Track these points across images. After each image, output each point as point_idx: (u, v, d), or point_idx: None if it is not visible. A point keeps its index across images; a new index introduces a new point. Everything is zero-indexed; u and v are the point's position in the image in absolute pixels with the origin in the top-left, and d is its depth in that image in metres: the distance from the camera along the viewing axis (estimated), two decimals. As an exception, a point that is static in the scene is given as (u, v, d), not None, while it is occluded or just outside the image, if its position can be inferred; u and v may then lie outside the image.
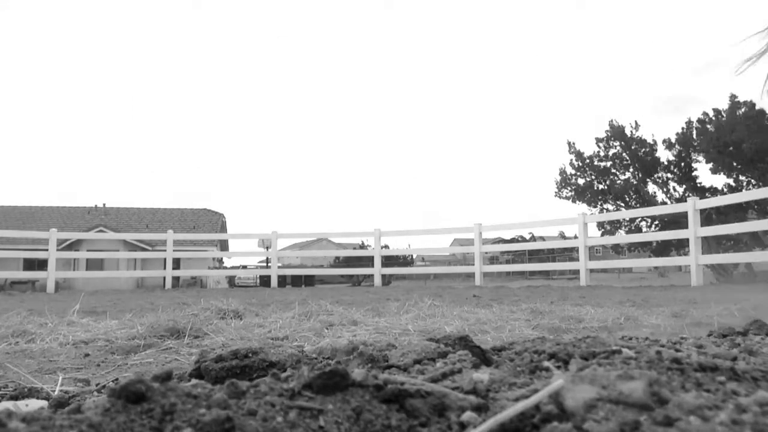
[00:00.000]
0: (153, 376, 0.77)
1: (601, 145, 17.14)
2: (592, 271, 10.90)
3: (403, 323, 2.65)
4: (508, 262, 36.97)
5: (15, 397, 1.20)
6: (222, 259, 37.40)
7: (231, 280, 31.85)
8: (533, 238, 32.10)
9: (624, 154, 16.79)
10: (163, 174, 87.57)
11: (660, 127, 31.61)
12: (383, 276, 14.54)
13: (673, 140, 16.07)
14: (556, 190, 17.46)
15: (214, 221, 35.81)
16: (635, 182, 16.26)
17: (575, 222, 10.95)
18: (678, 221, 11.13)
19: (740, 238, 11.88)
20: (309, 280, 27.15)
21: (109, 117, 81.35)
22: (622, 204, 16.26)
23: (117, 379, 1.51)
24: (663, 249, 14.61)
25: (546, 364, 0.93)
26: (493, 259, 38.49)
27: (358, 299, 5.38)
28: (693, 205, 9.11)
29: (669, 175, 16.26)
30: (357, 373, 0.77)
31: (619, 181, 16.52)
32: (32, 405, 1.04)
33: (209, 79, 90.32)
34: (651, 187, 16.36)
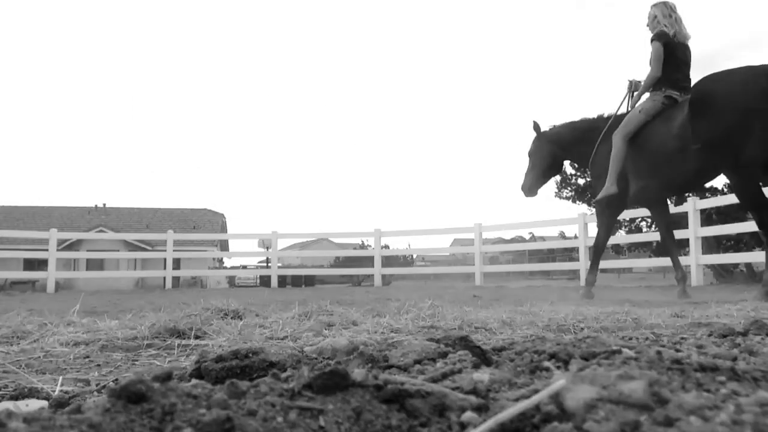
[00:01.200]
0: (153, 376, 0.77)
1: (601, 145, 17.10)
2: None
3: (403, 323, 2.65)
4: (508, 262, 36.94)
5: (15, 397, 1.20)
6: (222, 259, 37.40)
7: (231, 281, 31.86)
8: (533, 238, 32.09)
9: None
10: (163, 174, 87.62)
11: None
12: (383, 276, 14.54)
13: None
14: (556, 190, 17.40)
15: (214, 221, 35.82)
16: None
17: (575, 222, 10.96)
18: (678, 221, 11.12)
19: (740, 238, 11.86)
20: (309, 281, 27.14)
21: (109, 117, 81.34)
22: (622, 204, 16.20)
23: (117, 379, 1.51)
24: (663, 249, 14.61)
25: (546, 364, 0.93)
26: (493, 259, 38.47)
27: (358, 299, 5.38)
28: (693, 205, 9.11)
29: (669, 175, 16.20)
30: (357, 373, 0.77)
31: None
32: (32, 405, 1.04)
33: (209, 78, 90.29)
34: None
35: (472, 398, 0.77)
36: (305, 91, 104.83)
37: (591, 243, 11.00)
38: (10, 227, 29.93)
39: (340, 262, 34.40)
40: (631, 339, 1.63)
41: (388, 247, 19.87)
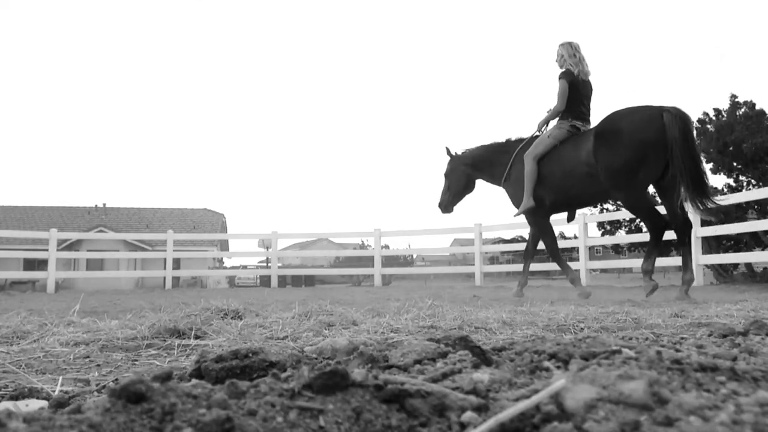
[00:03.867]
0: (153, 376, 0.77)
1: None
2: (592, 271, 10.88)
3: (403, 323, 2.65)
4: (508, 262, 36.93)
5: (15, 397, 1.20)
6: (222, 259, 37.39)
7: (231, 280, 31.86)
8: (533, 238, 32.08)
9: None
10: (163, 174, 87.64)
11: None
12: (383, 276, 14.54)
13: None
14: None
15: (214, 221, 35.80)
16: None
17: (575, 222, 10.94)
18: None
19: (740, 238, 11.87)
20: (309, 280, 27.15)
21: (109, 117, 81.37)
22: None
23: (117, 379, 1.51)
24: (663, 249, 14.62)
25: (546, 364, 0.93)
26: (493, 259, 38.46)
27: (358, 299, 5.38)
28: (693, 205, 9.08)
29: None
30: (357, 373, 0.77)
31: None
32: (32, 405, 1.04)
33: (210, 79, 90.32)
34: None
35: (472, 398, 0.77)
36: (306, 91, 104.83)
37: (591, 243, 11.04)
38: (10, 227, 29.93)
39: (340, 262, 34.40)
40: (631, 339, 1.63)
41: (388, 247, 19.88)
